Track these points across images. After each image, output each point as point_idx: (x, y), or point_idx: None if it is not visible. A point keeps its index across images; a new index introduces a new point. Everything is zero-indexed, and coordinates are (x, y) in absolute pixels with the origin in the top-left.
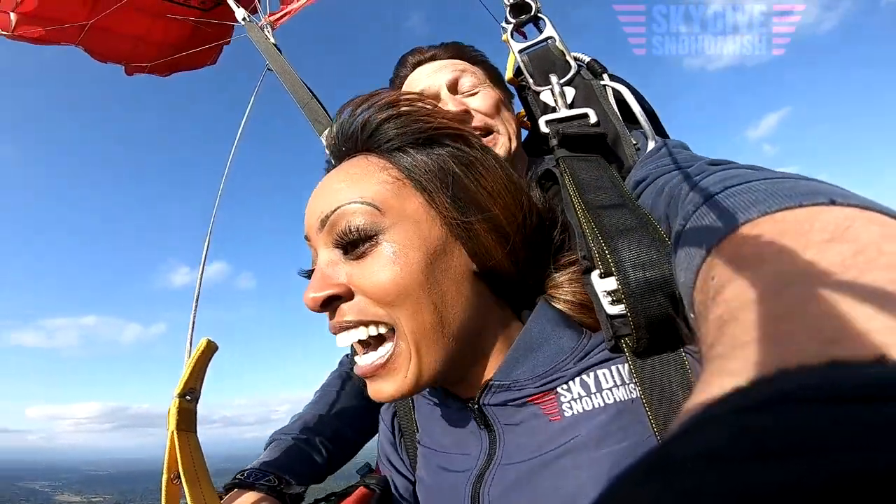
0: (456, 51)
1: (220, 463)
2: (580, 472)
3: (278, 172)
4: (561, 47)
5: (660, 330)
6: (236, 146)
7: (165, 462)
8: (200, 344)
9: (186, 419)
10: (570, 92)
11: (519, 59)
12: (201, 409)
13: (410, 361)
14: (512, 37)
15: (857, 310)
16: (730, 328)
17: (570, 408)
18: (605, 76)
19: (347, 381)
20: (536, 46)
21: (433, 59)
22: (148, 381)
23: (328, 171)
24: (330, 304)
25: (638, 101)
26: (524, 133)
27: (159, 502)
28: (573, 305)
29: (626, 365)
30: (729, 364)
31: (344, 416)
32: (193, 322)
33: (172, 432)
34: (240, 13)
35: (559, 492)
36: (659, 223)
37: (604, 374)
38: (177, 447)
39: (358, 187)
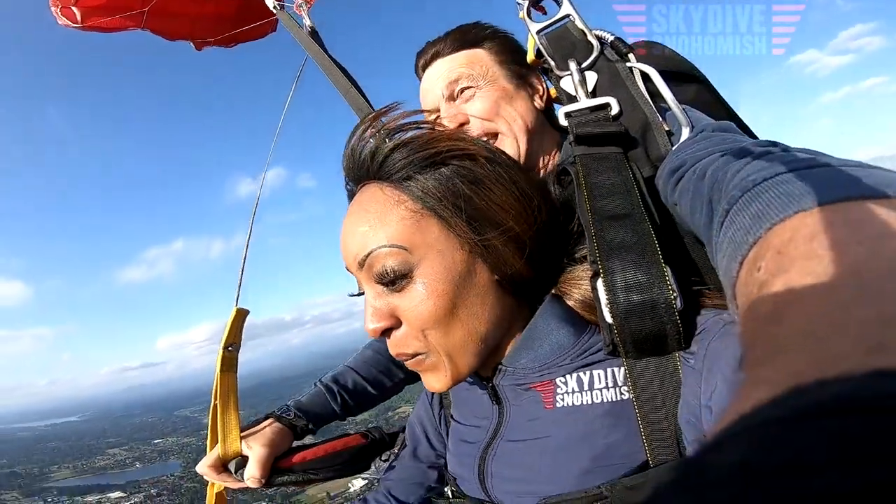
0: (457, 40)
1: (320, 361)
2: (564, 459)
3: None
4: (581, 26)
5: (646, 345)
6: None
7: (213, 394)
8: (232, 313)
9: (228, 364)
10: (591, 77)
11: (537, 42)
12: (294, 313)
13: (446, 366)
14: (529, 14)
15: None
16: (771, 329)
17: (563, 400)
18: (630, 56)
19: (381, 345)
20: (555, 26)
21: (436, 56)
22: (242, 292)
23: (349, 192)
24: (386, 332)
25: (690, 79)
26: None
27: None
28: (581, 304)
29: (623, 368)
30: (767, 372)
31: (368, 374)
32: (240, 287)
33: (218, 374)
34: (269, 1)
35: (544, 473)
36: (701, 206)
37: (598, 375)
38: (218, 384)
39: (382, 230)
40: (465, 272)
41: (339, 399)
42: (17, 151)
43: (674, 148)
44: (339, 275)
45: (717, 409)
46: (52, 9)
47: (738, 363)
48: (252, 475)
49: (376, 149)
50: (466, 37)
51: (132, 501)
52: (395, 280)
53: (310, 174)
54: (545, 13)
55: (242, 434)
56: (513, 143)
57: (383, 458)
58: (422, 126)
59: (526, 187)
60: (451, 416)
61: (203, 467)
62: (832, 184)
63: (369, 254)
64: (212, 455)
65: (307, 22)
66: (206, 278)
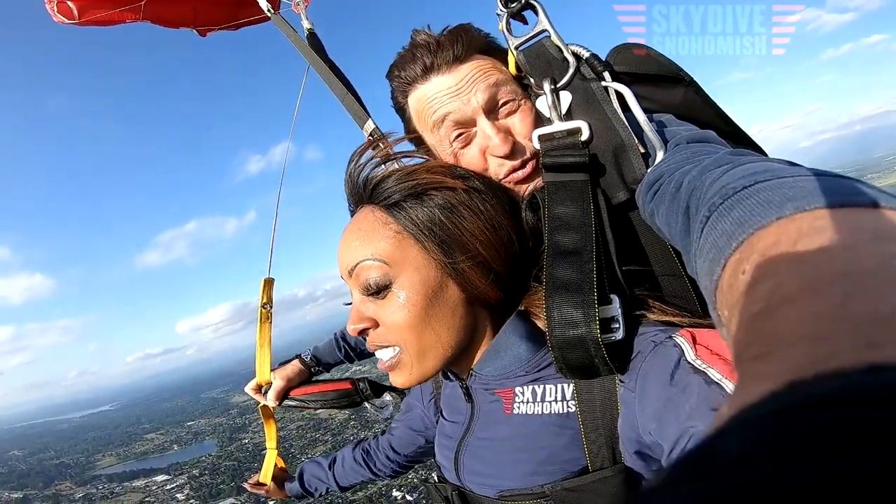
0: (469, 44)
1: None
2: (515, 460)
3: (325, 34)
4: (557, 43)
5: (578, 371)
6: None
7: (256, 342)
8: (262, 281)
9: (264, 317)
10: (566, 98)
11: (516, 57)
12: (308, 289)
13: (413, 366)
14: (508, 27)
15: None
16: (766, 327)
17: (519, 408)
18: (606, 75)
19: None
20: (531, 42)
21: (457, 61)
22: (257, 270)
23: (350, 211)
24: (364, 332)
25: (676, 80)
26: None
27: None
28: (541, 320)
29: (571, 385)
30: (766, 367)
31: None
32: (270, 264)
33: (258, 324)
34: (263, 4)
35: (500, 470)
36: (677, 215)
37: (550, 389)
38: (258, 331)
39: (369, 245)
40: (437, 288)
41: (342, 350)
42: (24, 142)
43: (651, 167)
44: None
45: (657, 425)
46: (48, 6)
47: (667, 379)
48: (270, 398)
49: (368, 177)
50: (476, 42)
51: (177, 483)
52: (377, 292)
53: (316, 145)
54: (526, 23)
55: (273, 369)
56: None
57: (379, 405)
58: (411, 156)
59: (500, 218)
60: (440, 412)
61: (247, 388)
62: (811, 192)
63: (357, 264)
64: (253, 381)
65: (305, 24)
66: (222, 258)
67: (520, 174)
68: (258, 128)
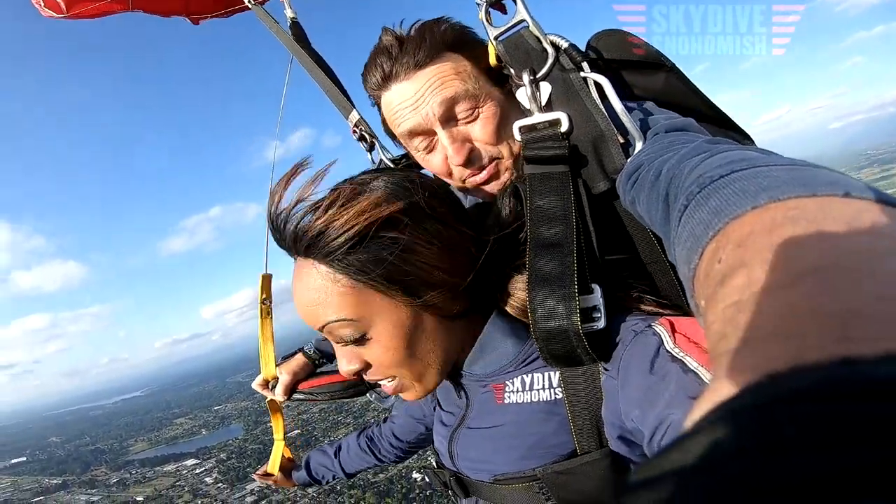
0: (435, 44)
1: None
2: (507, 446)
3: (329, 20)
4: (536, 33)
5: (561, 361)
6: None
7: (259, 338)
8: (259, 278)
9: (265, 313)
10: (545, 89)
11: (496, 48)
12: None
13: (415, 386)
14: (488, 16)
15: (871, 305)
16: (741, 319)
17: (510, 398)
18: (585, 65)
19: None
20: (510, 32)
21: (417, 66)
22: (276, 255)
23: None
24: (359, 372)
25: (657, 66)
26: None
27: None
28: (519, 311)
29: (557, 373)
30: (742, 360)
31: None
32: (266, 258)
33: (259, 321)
34: None
35: (493, 456)
36: (657, 203)
37: (538, 378)
38: (260, 327)
39: (329, 308)
40: (412, 324)
41: None
42: (54, 133)
43: (631, 156)
44: None
45: (639, 411)
46: (33, 1)
47: (647, 367)
48: (278, 393)
49: (297, 230)
50: (443, 39)
51: (206, 467)
52: (356, 342)
53: (333, 130)
54: (505, 12)
55: (278, 364)
56: (512, 165)
57: (383, 394)
58: (341, 200)
59: (455, 233)
60: (437, 401)
61: (254, 384)
62: (787, 182)
63: (324, 326)
64: (259, 377)
65: (288, 13)
66: (244, 243)
67: (483, 182)
68: (271, 114)
